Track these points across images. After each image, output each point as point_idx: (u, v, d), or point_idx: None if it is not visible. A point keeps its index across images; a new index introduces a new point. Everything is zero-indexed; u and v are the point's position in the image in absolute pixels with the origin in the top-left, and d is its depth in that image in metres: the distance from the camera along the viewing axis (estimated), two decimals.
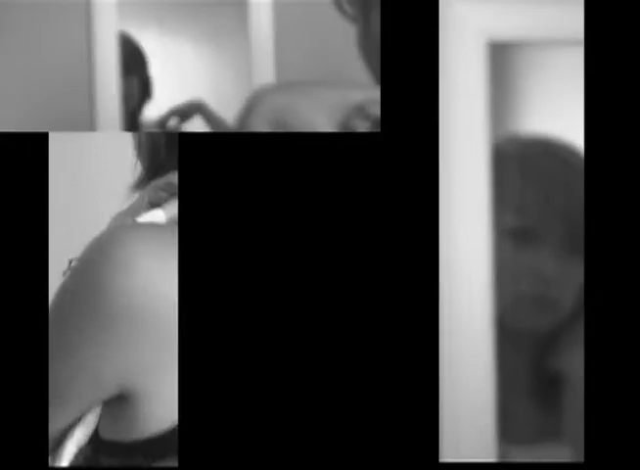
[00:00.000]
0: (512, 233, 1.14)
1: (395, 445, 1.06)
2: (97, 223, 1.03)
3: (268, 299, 1.04)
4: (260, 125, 1.06)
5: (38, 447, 1.09)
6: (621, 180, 1.09)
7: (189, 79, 1.95)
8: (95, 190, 2.07)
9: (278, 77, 1.91)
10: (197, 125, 1.81)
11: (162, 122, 1.78)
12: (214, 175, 1.04)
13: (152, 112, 1.93)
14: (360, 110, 1.06)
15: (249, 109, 1.03)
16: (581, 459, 1.09)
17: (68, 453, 0.95)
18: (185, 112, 1.81)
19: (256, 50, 1.94)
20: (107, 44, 1.87)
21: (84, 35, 1.88)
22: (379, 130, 1.07)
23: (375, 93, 1.08)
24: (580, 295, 1.15)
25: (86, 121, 1.85)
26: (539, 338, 1.15)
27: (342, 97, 1.07)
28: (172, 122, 1.79)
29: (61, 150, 2.25)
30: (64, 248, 1.05)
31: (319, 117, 1.05)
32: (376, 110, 1.08)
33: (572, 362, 1.15)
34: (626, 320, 1.09)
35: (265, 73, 1.93)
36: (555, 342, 1.16)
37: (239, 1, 1.97)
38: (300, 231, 1.05)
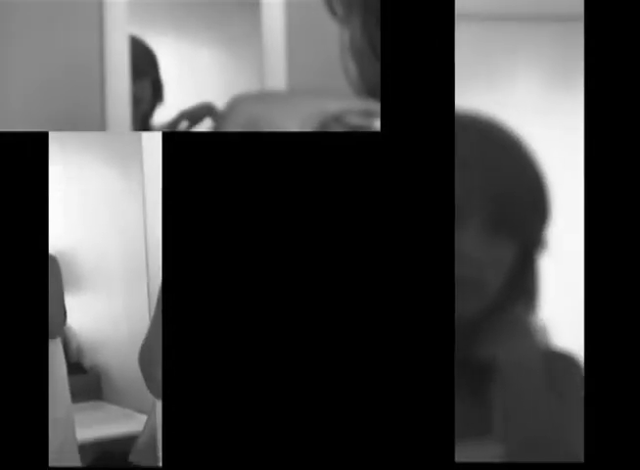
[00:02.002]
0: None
1: (411, 445, 1.07)
2: None
3: (262, 301, 1.05)
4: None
5: (38, 447, 1.11)
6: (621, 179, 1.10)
7: (202, 82, 1.95)
8: None
9: (289, 81, 1.91)
10: (207, 127, 1.82)
11: (173, 125, 1.78)
12: (212, 175, 1.05)
13: (164, 114, 1.94)
14: (337, 119, 1.06)
15: (224, 116, 1.04)
16: (514, 457, 1.08)
17: None
18: (195, 114, 1.81)
19: (268, 54, 1.94)
20: (118, 45, 1.88)
21: (96, 36, 1.89)
22: (379, 130, 1.08)
23: (353, 103, 1.08)
24: (509, 278, 1.12)
25: (97, 121, 1.86)
26: (466, 324, 1.11)
27: (318, 107, 1.05)
28: (183, 125, 1.79)
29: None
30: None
31: (292, 126, 1.04)
32: (354, 119, 1.08)
33: (501, 352, 1.11)
34: (626, 321, 1.09)
35: (277, 77, 1.92)
36: (482, 329, 1.13)
37: (252, 4, 1.97)
38: (300, 230, 1.06)
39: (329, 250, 1.06)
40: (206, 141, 1.06)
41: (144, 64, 1.93)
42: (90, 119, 1.89)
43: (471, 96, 1.44)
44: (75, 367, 2.99)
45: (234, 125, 1.06)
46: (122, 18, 1.91)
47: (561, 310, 1.35)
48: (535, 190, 1.10)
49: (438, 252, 1.07)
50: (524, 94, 2.53)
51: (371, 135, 1.07)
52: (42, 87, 1.89)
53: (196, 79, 1.95)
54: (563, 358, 1.12)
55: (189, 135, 1.06)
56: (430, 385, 1.07)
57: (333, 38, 1.17)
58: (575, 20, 1.11)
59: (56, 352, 2.32)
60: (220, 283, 1.05)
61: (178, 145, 1.06)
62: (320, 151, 1.06)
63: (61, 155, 2.95)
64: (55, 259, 2.33)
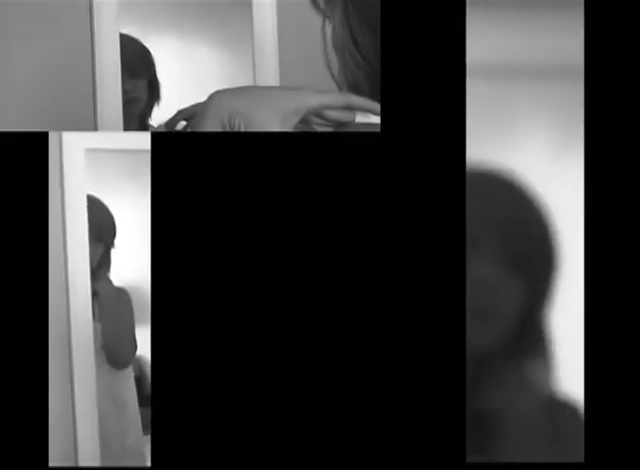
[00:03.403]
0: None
1: (423, 445, 1.06)
2: None
3: (254, 305, 1.06)
4: (212, 128, 1.07)
5: (38, 447, 1.11)
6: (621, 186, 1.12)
7: (200, 81, 1.94)
8: None
9: (282, 79, 1.91)
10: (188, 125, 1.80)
11: (170, 124, 1.77)
12: (209, 175, 1.06)
13: (161, 113, 1.92)
14: (318, 114, 1.06)
15: (202, 112, 1.04)
16: None
17: None
18: (192, 114, 1.79)
19: (260, 53, 1.93)
20: (108, 45, 1.87)
21: (87, 36, 1.88)
22: (379, 131, 1.08)
23: (333, 97, 1.07)
24: (525, 317, 1.14)
25: (89, 122, 1.85)
26: (477, 360, 1.14)
27: (298, 102, 1.06)
28: (181, 124, 1.77)
29: None
30: None
31: (270, 121, 1.04)
32: (335, 114, 1.08)
33: (504, 402, 1.13)
34: (626, 322, 1.09)
35: (270, 75, 1.91)
36: (487, 379, 1.16)
37: (244, 3, 1.96)
38: (299, 232, 1.06)
39: (329, 252, 1.06)
40: (199, 142, 1.06)
41: (139, 63, 1.91)
42: (82, 120, 1.87)
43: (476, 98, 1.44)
44: (149, 400, 2.98)
45: (213, 121, 1.05)
46: (112, 17, 1.89)
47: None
48: (544, 239, 1.15)
49: (439, 253, 1.06)
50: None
51: (371, 136, 1.07)
52: (35, 87, 1.87)
53: (193, 79, 1.93)
54: (565, 407, 1.13)
55: (180, 136, 1.06)
56: (441, 384, 1.06)
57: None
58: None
59: (126, 381, 2.30)
60: (212, 287, 1.06)
61: (169, 146, 1.06)
62: (319, 152, 1.06)
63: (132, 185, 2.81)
64: (125, 292, 2.33)
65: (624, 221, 1.10)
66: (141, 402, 2.36)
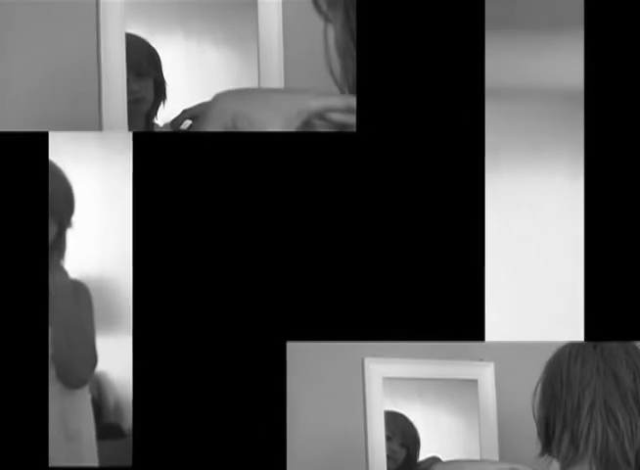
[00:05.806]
0: None
1: None
2: None
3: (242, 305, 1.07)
4: (216, 129, 1.07)
5: (38, 447, 1.17)
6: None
7: (205, 81, 1.94)
8: None
9: (287, 79, 1.91)
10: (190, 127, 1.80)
11: (176, 124, 1.76)
12: (193, 174, 1.07)
13: (166, 113, 1.92)
14: (321, 116, 1.07)
15: (205, 113, 1.05)
16: None
17: None
18: (197, 114, 1.79)
19: (265, 52, 1.92)
20: (114, 45, 1.86)
21: (93, 36, 1.87)
22: (354, 131, 1.11)
23: (335, 99, 1.08)
24: None
25: (94, 122, 1.83)
26: None
27: (300, 104, 1.09)
28: (186, 124, 1.77)
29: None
30: None
31: (273, 123, 1.06)
32: (337, 117, 1.09)
33: None
34: (626, 322, 1.16)
35: (274, 76, 1.91)
36: None
37: (250, 4, 1.95)
38: (275, 231, 1.12)
39: (307, 251, 1.08)
40: (179, 141, 1.06)
41: (145, 63, 1.91)
42: (87, 120, 1.86)
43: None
44: (111, 429, 2.32)
45: (216, 124, 1.07)
46: (119, 16, 1.89)
47: None
48: None
49: (415, 249, 1.07)
50: None
51: (346, 136, 1.07)
52: (40, 87, 1.87)
53: (199, 78, 1.93)
54: None
55: (161, 136, 1.06)
56: None
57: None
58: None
59: (81, 404, 1.80)
60: (195, 288, 1.06)
61: (149, 146, 1.07)
62: (295, 151, 1.09)
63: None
64: (84, 286, 1.85)
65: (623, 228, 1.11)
66: (100, 434, 1.86)
